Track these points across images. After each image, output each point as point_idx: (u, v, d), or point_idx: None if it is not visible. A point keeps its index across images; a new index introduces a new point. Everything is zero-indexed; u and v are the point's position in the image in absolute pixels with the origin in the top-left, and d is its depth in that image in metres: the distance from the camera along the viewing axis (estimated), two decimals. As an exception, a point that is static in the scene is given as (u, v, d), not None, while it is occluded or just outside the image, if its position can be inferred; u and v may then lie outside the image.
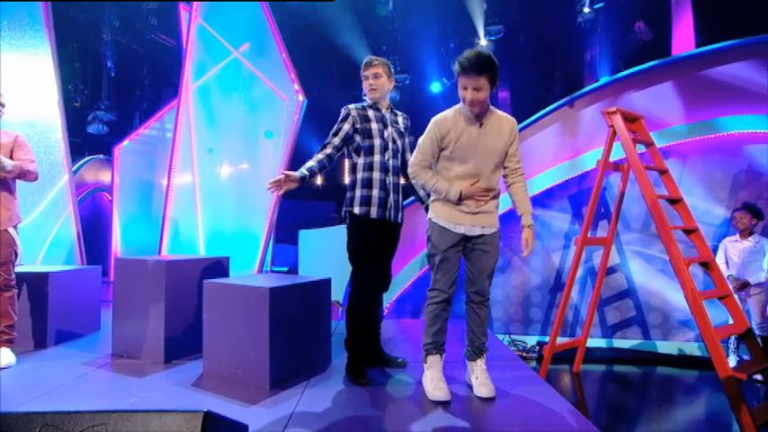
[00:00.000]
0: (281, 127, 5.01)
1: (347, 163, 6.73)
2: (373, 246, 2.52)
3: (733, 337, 3.82)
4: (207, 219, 5.04)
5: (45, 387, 2.42)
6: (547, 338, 4.13)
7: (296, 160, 4.91)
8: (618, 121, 3.62)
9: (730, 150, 4.26)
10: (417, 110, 7.73)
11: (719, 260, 3.93)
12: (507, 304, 4.76)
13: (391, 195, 2.56)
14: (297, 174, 2.35)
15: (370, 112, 2.60)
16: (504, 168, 2.36)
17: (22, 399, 2.26)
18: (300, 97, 4.97)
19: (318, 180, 10.86)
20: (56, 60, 4.43)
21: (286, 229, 7.08)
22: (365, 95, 2.65)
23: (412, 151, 2.68)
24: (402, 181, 2.71)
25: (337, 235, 4.94)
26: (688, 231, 3.42)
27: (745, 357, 3.74)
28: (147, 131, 6.86)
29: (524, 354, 4.45)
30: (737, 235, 3.96)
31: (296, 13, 7.47)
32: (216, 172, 5.16)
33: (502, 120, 2.29)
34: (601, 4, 6.34)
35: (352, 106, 2.60)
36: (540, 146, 4.68)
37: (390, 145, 2.57)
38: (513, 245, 4.76)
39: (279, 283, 2.53)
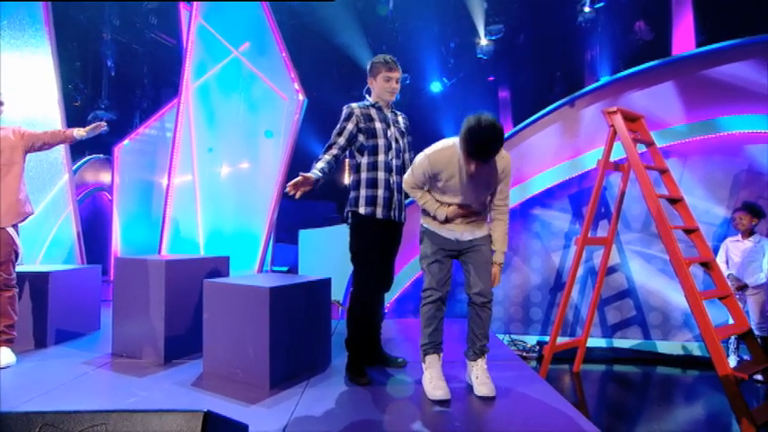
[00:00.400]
0: (281, 126, 5.01)
1: (347, 162, 6.73)
2: (378, 246, 2.52)
3: (733, 338, 3.82)
4: (207, 218, 5.04)
5: (45, 387, 2.42)
6: (547, 338, 4.13)
7: (296, 160, 4.92)
8: (618, 120, 3.62)
9: (731, 150, 4.26)
10: (417, 110, 7.74)
11: (720, 260, 3.93)
12: (507, 304, 4.76)
13: (395, 195, 2.56)
14: (311, 175, 2.29)
15: (373, 112, 2.59)
16: (490, 203, 2.38)
17: (21, 398, 2.26)
18: (300, 97, 4.96)
19: (318, 179, 10.85)
20: (56, 59, 4.42)
21: (286, 229, 7.08)
22: (367, 95, 2.65)
23: (411, 151, 2.69)
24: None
25: (337, 234, 4.95)
26: (688, 231, 3.42)
27: (746, 357, 3.74)
28: (147, 131, 6.86)
29: (524, 353, 4.45)
30: (739, 235, 3.95)
31: (296, 12, 7.47)
32: (216, 171, 5.16)
33: (496, 157, 2.16)
34: (601, 4, 6.34)
35: (354, 105, 2.57)
36: (540, 145, 4.68)
37: (393, 144, 2.57)
38: (512, 245, 4.76)
39: (279, 283, 2.52)
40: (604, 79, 4.73)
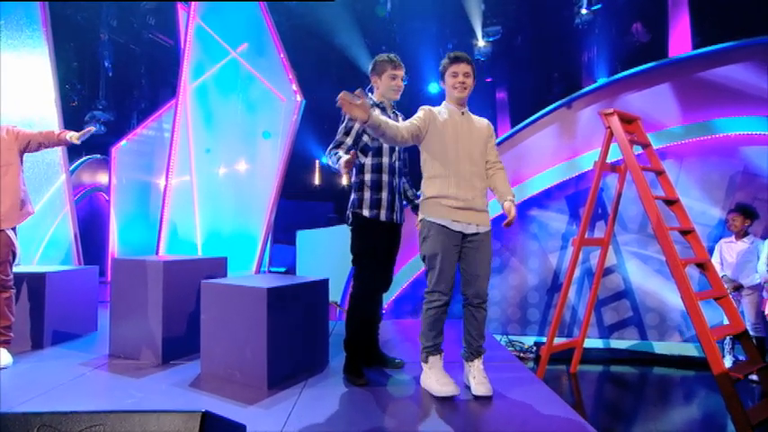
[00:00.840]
0: (279, 127, 5.01)
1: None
2: (380, 248, 2.53)
3: (728, 338, 3.84)
4: (205, 219, 5.04)
5: (42, 387, 2.42)
6: (544, 339, 4.14)
7: (294, 161, 4.92)
8: (615, 122, 3.63)
9: (726, 152, 4.28)
10: (415, 111, 7.74)
11: (714, 261, 3.95)
12: (505, 305, 4.77)
13: (396, 197, 2.57)
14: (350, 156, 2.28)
15: (378, 112, 2.58)
16: (486, 163, 2.43)
17: (19, 399, 2.25)
18: (299, 98, 4.97)
19: (316, 180, 10.87)
20: (53, 60, 4.42)
21: (284, 230, 7.08)
22: (371, 94, 2.65)
23: (406, 151, 2.69)
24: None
25: (335, 235, 4.95)
26: (684, 232, 3.44)
27: (741, 358, 3.76)
28: (144, 131, 6.85)
29: (522, 354, 4.46)
30: (733, 236, 3.98)
31: (294, 13, 7.47)
32: (214, 172, 5.16)
33: (480, 119, 2.50)
34: (598, 6, 6.36)
35: None
36: (537, 147, 4.69)
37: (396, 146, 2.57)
38: (510, 245, 4.77)
39: (277, 284, 2.53)
40: (601, 81, 4.76)
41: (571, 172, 4.62)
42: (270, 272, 5.52)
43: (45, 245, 4.60)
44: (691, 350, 4.27)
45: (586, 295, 4.41)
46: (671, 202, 3.52)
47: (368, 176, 2.51)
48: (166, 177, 4.98)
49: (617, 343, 4.49)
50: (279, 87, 5.06)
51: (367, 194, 2.50)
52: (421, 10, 7.36)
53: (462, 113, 2.41)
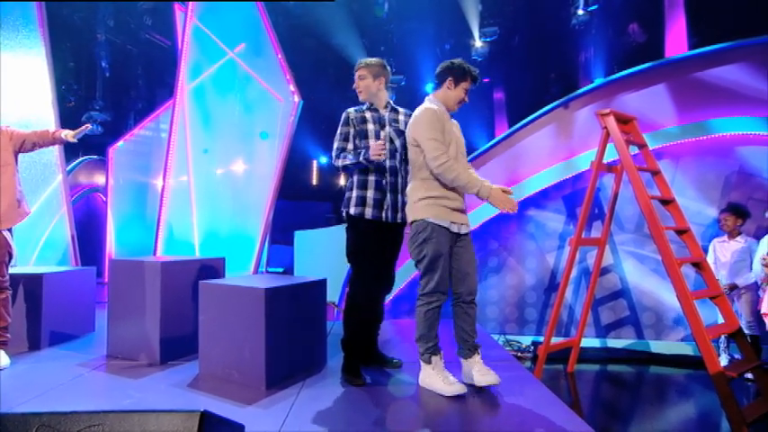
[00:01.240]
0: (276, 128, 5.01)
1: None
2: (370, 246, 2.53)
3: (723, 337, 3.86)
4: (202, 219, 5.03)
5: (40, 388, 2.41)
6: (541, 338, 4.15)
7: (291, 161, 4.92)
8: (611, 122, 3.65)
9: (722, 152, 4.31)
10: (413, 111, 7.73)
11: (708, 261, 3.97)
12: (502, 305, 4.79)
13: (388, 196, 2.55)
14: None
15: (368, 114, 2.63)
16: None
17: (17, 400, 2.25)
18: (296, 98, 4.97)
19: (314, 180, 10.86)
20: (50, 60, 4.41)
21: (281, 230, 7.08)
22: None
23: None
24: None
25: (333, 235, 4.95)
26: (680, 232, 3.46)
27: (737, 356, 3.78)
28: (141, 132, 6.84)
29: (519, 354, 4.47)
30: (725, 236, 4.01)
31: (292, 13, 7.47)
32: (211, 172, 5.15)
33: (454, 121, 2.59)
34: (595, 6, 6.38)
35: (351, 110, 2.65)
36: (535, 147, 4.71)
37: (387, 145, 2.56)
38: (508, 245, 4.79)
39: (274, 284, 2.53)
40: (598, 81, 4.78)
41: (568, 172, 4.64)
42: (268, 272, 5.52)
43: (42, 246, 4.59)
44: (687, 349, 4.29)
45: (583, 295, 4.42)
46: (667, 202, 3.54)
47: (356, 176, 2.57)
48: (164, 178, 4.98)
49: (614, 342, 4.51)
50: (276, 88, 5.06)
51: (354, 193, 2.55)
52: (418, 10, 7.37)
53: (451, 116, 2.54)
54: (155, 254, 4.88)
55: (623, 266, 4.53)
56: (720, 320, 3.71)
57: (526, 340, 4.64)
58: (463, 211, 2.42)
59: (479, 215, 4.59)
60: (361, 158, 2.48)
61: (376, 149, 2.42)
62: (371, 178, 2.54)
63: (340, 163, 2.57)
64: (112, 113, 8.19)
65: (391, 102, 2.74)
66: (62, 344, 3.28)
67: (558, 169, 4.68)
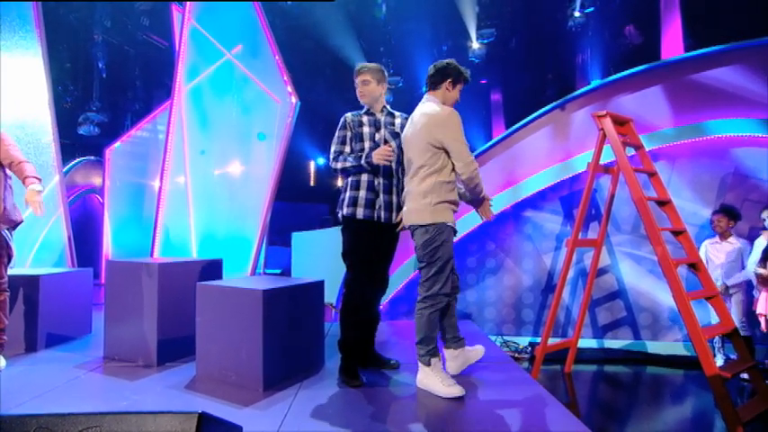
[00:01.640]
0: (274, 129, 5.02)
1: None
2: (363, 246, 2.54)
3: (718, 337, 3.88)
4: (199, 221, 5.03)
5: (37, 390, 2.41)
6: (539, 339, 4.16)
7: (289, 162, 4.92)
8: (608, 124, 3.67)
9: (718, 153, 4.33)
10: (410, 112, 7.75)
11: None
12: (500, 305, 4.80)
13: (381, 196, 2.55)
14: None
15: (365, 118, 2.67)
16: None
17: (14, 402, 2.25)
18: (293, 99, 4.97)
19: (311, 182, 10.86)
20: (46, 61, 4.39)
21: (279, 231, 7.08)
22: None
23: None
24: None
25: (330, 237, 4.95)
26: (676, 233, 3.47)
27: (732, 356, 3.80)
28: (138, 133, 6.83)
29: (516, 354, 4.48)
30: (717, 237, 4.03)
31: (289, 14, 7.47)
32: (209, 174, 5.15)
33: None
34: (591, 8, 6.41)
35: (348, 114, 2.68)
36: (531, 148, 4.73)
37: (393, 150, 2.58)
38: (505, 247, 4.80)
39: (272, 285, 2.53)
40: (595, 83, 4.80)
41: (565, 173, 4.65)
42: (265, 274, 5.52)
43: (38, 247, 4.57)
44: (682, 349, 4.31)
45: (580, 296, 4.44)
46: (663, 203, 3.55)
47: (350, 178, 2.61)
48: (161, 179, 4.97)
49: (611, 343, 4.52)
50: (274, 89, 5.07)
51: (347, 194, 2.58)
52: (415, 12, 7.39)
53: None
54: (152, 255, 4.87)
55: (620, 267, 4.55)
56: (714, 321, 3.74)
57: (523, 341, 4.65)
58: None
59: (478, 216, 4.59)
60: (362, 161, 2.49)
61: (384, 154, 2.43)
62: (365, 179, 2.56)
63: (339, 165, 2.59)
64: (109, 114, 8.16)
65: (388, 106, 2.75)
66: (59, 345, 3.27)
67: (555, 170, 4.70)
